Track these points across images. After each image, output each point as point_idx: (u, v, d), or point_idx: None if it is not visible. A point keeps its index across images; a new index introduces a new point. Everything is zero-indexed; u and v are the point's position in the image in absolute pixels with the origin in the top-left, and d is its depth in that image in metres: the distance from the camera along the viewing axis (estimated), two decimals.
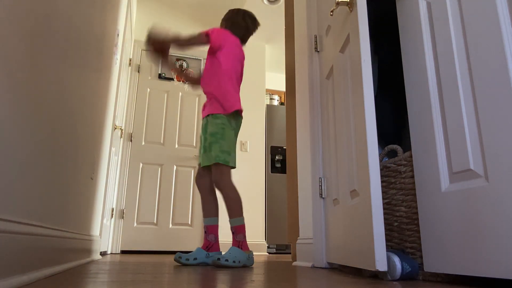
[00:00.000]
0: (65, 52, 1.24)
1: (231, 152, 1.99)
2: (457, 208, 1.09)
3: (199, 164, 2.08)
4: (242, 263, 1.80)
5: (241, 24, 2.22)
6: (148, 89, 4.15)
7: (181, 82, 4.21)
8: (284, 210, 4.26)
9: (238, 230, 1.91)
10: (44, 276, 1.05)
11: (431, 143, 1.22)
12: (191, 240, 3.87)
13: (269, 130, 4.69)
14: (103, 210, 2.63)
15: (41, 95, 1.01)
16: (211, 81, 2.08)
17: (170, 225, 3.85)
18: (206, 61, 2.16)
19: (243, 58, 2.22)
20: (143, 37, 4.25)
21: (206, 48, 4.93)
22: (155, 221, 3.81)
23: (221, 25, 2.27)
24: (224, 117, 2.00)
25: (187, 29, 4.44)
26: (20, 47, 0.83)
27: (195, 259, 1.94)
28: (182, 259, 1.93)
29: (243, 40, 2.25)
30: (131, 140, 3.94)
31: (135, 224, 3.75)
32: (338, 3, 1.54)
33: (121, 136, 3.71)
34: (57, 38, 1.13)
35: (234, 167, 2.01)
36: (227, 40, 2.10)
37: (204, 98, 4.31)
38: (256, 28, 2.28)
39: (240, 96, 2.12)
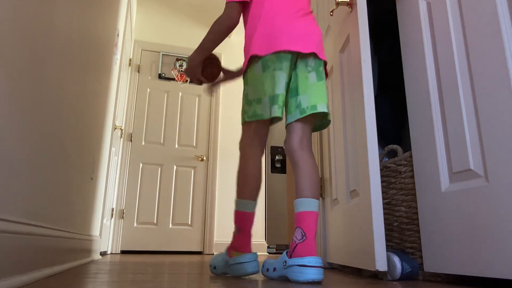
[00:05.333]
0: (65, 53, 1.24)
1: (252, 103, 1.32)
2: (457, 208, 1.09)
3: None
4: (218, 271, 1.33)
5: None
6: (148, 89, 4.15)
7: (183, 82, 4.21)
8: (284, 210, 4.26)
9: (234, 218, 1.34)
10: (44, 276, 1.05)
11: (431, 143, 1.22)
12: (191, 240, 3.87)
13: (269, 130, 4.69)
14: (103, 210, 2.63)
15: (41, 95, 1.01)
16: None
17: (170, 225, 3.85)
18: None
19: None
20: (143, 37, 4.25)
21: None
22: (155, 221, 3.81)
23: None
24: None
25: (187, 29, 4.45)
26: (21, 50, 0.83)
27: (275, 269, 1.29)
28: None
29: None
30: (131, 140, 3.94)
31: (135, 224, 3.75)
32: (338, 3, 1.54)
33: (121, 136, 3.71)
34: (57, 40, 1.13)
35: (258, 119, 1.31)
36: None
37: (202, 98, 4.31)
38: None
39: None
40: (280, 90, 1.27)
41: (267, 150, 4.59)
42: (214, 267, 1.34)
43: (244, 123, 1.35)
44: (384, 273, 1.23)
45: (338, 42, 1.72)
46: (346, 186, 1.56)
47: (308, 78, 1.30)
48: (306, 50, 1.27)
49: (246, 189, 1.32)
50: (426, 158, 1.25)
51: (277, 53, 1.26)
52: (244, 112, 1.35)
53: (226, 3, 1.40)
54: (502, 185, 0.94)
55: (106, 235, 3.14)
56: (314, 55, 1.30)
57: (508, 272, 0.90)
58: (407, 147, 1.70)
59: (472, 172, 1.05)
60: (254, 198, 1.32)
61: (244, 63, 1.36)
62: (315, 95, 1.29)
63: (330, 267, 1.84)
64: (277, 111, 1.26)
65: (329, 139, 1.88)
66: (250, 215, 1.31)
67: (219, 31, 1.39)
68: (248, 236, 1.29)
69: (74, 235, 1.57)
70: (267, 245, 4.17)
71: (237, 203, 1.32)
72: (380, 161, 1.59)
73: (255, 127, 1.33)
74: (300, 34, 1.29)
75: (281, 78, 1.27)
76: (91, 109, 1.84)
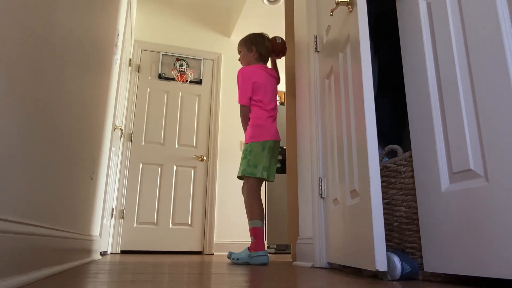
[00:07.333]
0: (66, 53, 1.24)
1: (252, 166, 2.25)
2: (457, 208, 1.09)
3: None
4: (240, 261, 2.12)
5: (257, 40, 2.51)
6: (148, 89, 4.15)
7: (183, 82, 4.21)
8: (284, 210, 4.26)
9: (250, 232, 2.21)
10: (44, 276, 1.05)
11: (431, 143, 1.22)
12: (191, 240, 3.87)
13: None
14: (103, 210, 2.63)
15: (41, 95, 1.01)
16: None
17: (170, 225, 3.85)
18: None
19: (263, 79, 2.40)
20: (143, 37, 4.25)
21: (205, 48, 4.86)
22: (155, 221, 3.81)
23: (242, 49, 2.51)
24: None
25: (187, 29, 4.45)
26: (21, 50, 0.83)
27: (238, 259, 2.14)
28: (232, 258, 2.20)
29: (262, 56, 2.52)
30: (131, 140, 3.94)
31: (135, 224, 3.75)
32: (338, 3, 1.54)
33: (121, 136, 3.71)
34: (57, 39, 1.13)
35: (260, 178, 2.26)
36: (244, 87, 2.35)
37: (202, 98, 4.31)
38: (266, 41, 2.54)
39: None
40: (267, 163, 2.26)
41: None
42: (237, 259, 2.13)
43: (244, 177, 2.26)
44: (384, 273, 1.23)
45: (338, 42, 1.72)
46: (346, 186, 1.56)
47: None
48: (277, 138, 2.34)
49: (255, 213, 2.18)
50: (426, 158, 1.25)
51: (267, 141, 2.27)
52: (243, 170, 2.24)
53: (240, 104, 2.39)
54: (502, 185, 0.94)
55: (106, 235, 3.14)
56: (278, 143, 2.35)
57: (508, 272, 0.90)
58: (407, 147, 1.70)
59: (472, 172, 1.05)
60: (261, 218, 2.18)
61: (249, 137, 2.31)
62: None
63: (330, 267, 1.84)
64: (264, 175, 2.23)
65: (329, 139, 1.88)
66: (261, 228, 2.17)
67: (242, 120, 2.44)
68: (262, 241, 2.14)
69: (74, 235, 1.57)
70: (267, 245, 4.17)
71: (250, 223, 2.17)
72: (380, 161, 1.59)
73: (253, 181, 2.25)
74: (275, 132, 2.33)
75: (268, 157, 2.26)
76: (91, 109, 1.84)
